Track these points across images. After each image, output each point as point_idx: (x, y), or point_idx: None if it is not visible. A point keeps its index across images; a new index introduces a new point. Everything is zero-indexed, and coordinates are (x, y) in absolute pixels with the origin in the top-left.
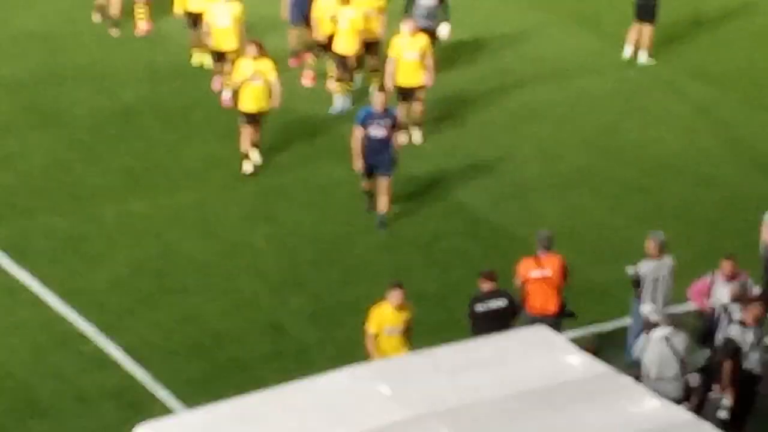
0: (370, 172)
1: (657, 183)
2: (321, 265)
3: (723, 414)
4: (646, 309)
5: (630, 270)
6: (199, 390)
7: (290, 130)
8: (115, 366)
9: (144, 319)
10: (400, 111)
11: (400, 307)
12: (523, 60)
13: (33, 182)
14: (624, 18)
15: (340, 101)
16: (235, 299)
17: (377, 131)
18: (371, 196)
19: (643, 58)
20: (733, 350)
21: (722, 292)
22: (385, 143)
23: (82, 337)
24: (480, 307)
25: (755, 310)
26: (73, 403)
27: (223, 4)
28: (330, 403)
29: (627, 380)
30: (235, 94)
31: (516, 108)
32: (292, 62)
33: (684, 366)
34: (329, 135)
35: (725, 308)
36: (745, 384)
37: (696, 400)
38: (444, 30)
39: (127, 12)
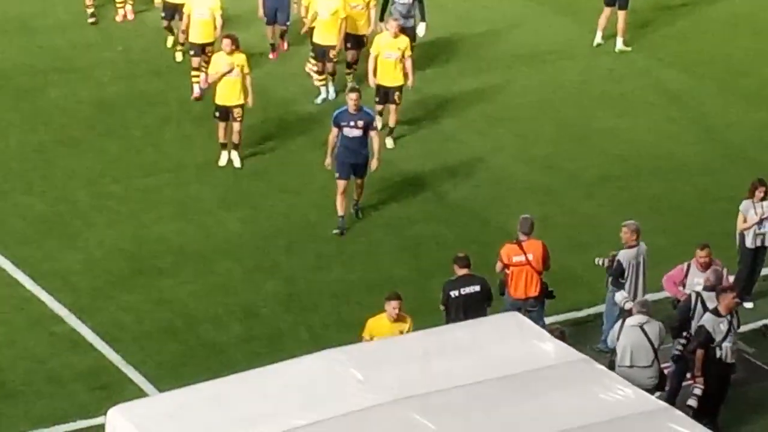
0: (347, 174)
1: (632, 171)
2: (295, 249)
3: (693, 402)
4: (619, 297)
5: (598, 261)
6: (172, 373)
7: (268, 114)
8: (87, 348)
9: (117, 301)
10: (378, 110)
11: (398, 318)
12: (501, 47)
13: (7, 163)
14: (600, 4)
15: (323, 91)
16: (209, 282)
17: (352, 131)
18: (355, 210)
19: (619, 44)
20: (706, 339)
21: (697, 281)
22: (360, 143)
23: (55, 319)
24: (454, 293)
25: (728, 299)
26: (45, 385)
27: None
28: (303, 388)
29: (600, 367)
30: (211, 87)
31: (492, 95)
32: (272, 56)
33: (658, 354)
34: (307, 120)
35: (699, 296)
36: (717, 372)
37: (670, 387)
38: (421, 29)
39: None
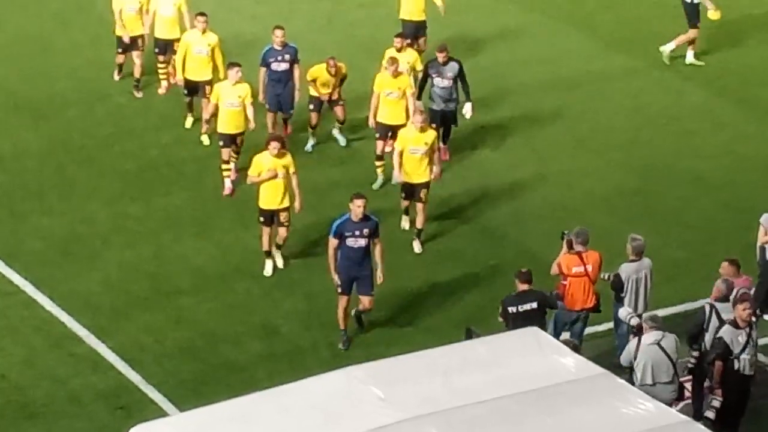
0: (350, 289)
1: (651, 184)
2: (314, 267)
3: (710, 414)
4: (623, 312)
5: (604, 275)
6: (192, 392)
7: (291, 135)
8: (108, 368)
9: (137, 321)
10: (404, 207)
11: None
12: (517, 61)
13: (26, 185)
14: (618, 19)
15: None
16: (228, 301)
17: (357, 241)
18: (357, 316)
19: (690, 56)
20: (725, 351)
21: None
22: (365, 253)
23: (75, 339)
24: (512, 309)
25: (744, 311)
26: (66, 405)
27: (199, 35)
28: (323, 405)
29: (620, 381)
30: (214, 118)
31: (510, 109)
32: None
33: (677, 367)
34: (326, 137)
35: (713, 308)
36: (736, 385)
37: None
38: (467, 110)
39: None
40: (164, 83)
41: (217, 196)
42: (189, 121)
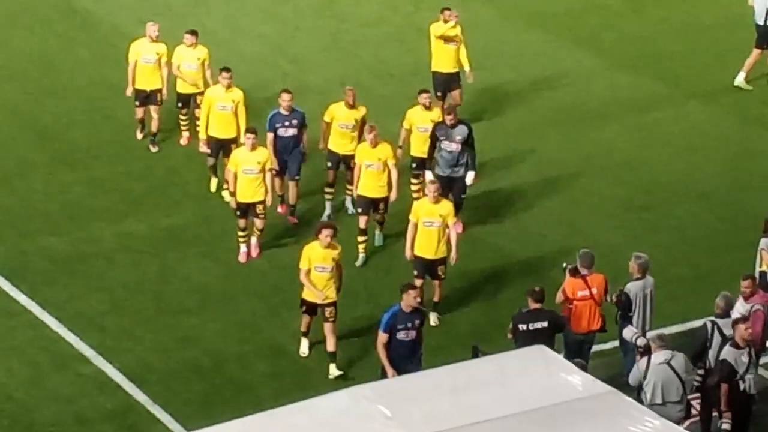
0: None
1: (655, 201)
2: None
3: None
4: (628, 333)
5: (607, 298)
6: (199, 411)
7: None
8: (114, 388)
9: (143, 341)
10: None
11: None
12: (522, 79)
13: (32, 204)
14: (622, 37)
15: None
16: (234, 320)
17: (409, 333)
18: None
19: (740, 78)
20: (729, 373)
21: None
22: (414, 344)
23: (82, 359)
24: (522, 326)
25: (741, 330)
26: (73, 426)
27: (224, 91)
28: (330, 424)
29: (627, 399)
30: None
31: (514, 127)
32: (280, 209)
33: (685, 386)
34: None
35: (715, 324)
36: (741, 405)
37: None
38: (469, 178)
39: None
40: (185, 134)
41: (222, 216)
42: (214, 184)
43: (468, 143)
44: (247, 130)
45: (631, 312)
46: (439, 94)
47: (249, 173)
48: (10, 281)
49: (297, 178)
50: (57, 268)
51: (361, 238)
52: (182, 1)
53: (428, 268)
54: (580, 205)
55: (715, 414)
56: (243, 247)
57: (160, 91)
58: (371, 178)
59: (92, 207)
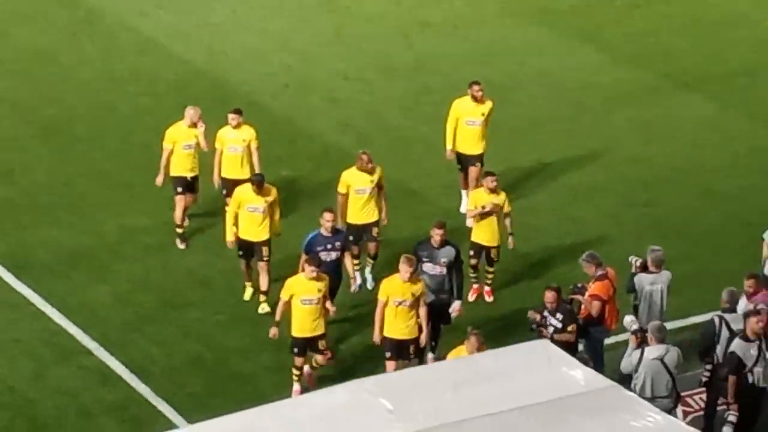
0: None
1: (659, 197)
2: None
3: (728, 429)
4: (627, 320)
5: (632, 259)
6: (202, 404)
7: (294, 147)
8: (117, 381)
9: (146, 334)
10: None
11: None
12: (526, 74)
13: (35, 197)
14: (626, 33)
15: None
16: (237, 313)
17: (327, 255)
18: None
19: None
20: (738, 365)
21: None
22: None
23: (84, 352)
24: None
25: (752, 323)
26: (76, 418)
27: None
28: (332, 417)
29: (629, 394)
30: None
31: (518, 122)
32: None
33: (675, 380)
34: (339, 152)
35: (723, 319)
36: (749, 398)
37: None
38: (455, 308)
39: None
40: (296, 386)
41: (225, 210)
42: (248, 292)
43: (455, 267)
44: (233, 111)
45: (635, 301)
46: (459, 166)
47: (308, 304)
48: (13, 273)
49: (334, 308)
50: (60, 260)
51: (354, 261)
52: None
53: (399, 348)
54: (583, 201)
55: (722, 407)
56: (296, 386)
57: (197, 178)
58: (360, 205)
59: (95, 200)
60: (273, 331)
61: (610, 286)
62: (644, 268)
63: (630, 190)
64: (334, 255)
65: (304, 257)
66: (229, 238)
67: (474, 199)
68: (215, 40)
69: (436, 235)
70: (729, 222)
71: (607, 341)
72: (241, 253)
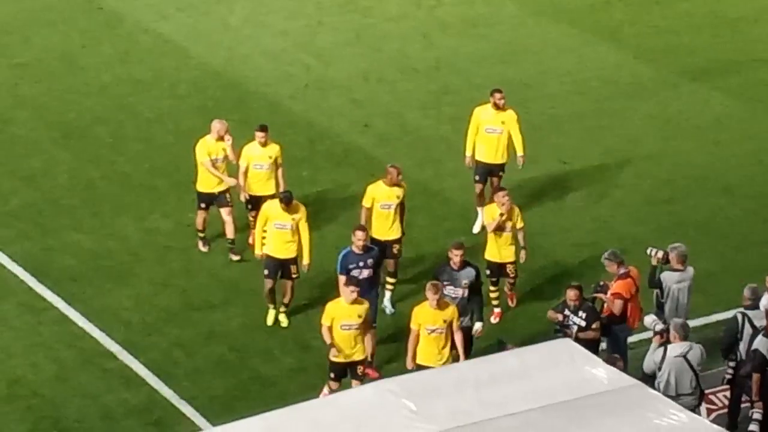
0: None
1: (680, 194)
2: None
3: (754, 427)
4: (648, 320)
5: (650, 251)
6: (225, 407)
7: (314, 148)
8: (140, 383)
9: (169, 337)
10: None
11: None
12: (546, 72)
13: (57, 201)
14: (646, 30)
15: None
16: (259, 315)
17: (359, 272)
18: None
19: None
20: (761, 363)
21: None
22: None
23: (107, 355)
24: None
25: None
26: (99, 421)
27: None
28: (355, 418)
29: (653, 392)
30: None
31: (539, 120)
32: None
33: (699, 377)
34: (359, 153)
35: (745, 316)
36: None
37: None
38: (477, 329)
39: None
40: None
41: (246, 212)
42: (271, 316)
43: (475, 288)
44: (259, 128)
45: (662, 299)
46: (477, 177)
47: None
48: (36, 277)
49: (374, 325)
50: (82, 264)
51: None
52: None
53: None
54: (604, 198)
55: (746, 404)
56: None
57: (228, 191)
58: (384, 220)
59: (117, 203)
60: (333, 353)
61: (632, 284)
62: (666, 260)
63: (651, 188)
64: (366, 273)
65: (342, 279)
66: (258, 251)
67: (489, 214)
68: (235, 42)
69: (455, 256)
70: (751, 219)
71: (630, 339)
72: (267, 272)
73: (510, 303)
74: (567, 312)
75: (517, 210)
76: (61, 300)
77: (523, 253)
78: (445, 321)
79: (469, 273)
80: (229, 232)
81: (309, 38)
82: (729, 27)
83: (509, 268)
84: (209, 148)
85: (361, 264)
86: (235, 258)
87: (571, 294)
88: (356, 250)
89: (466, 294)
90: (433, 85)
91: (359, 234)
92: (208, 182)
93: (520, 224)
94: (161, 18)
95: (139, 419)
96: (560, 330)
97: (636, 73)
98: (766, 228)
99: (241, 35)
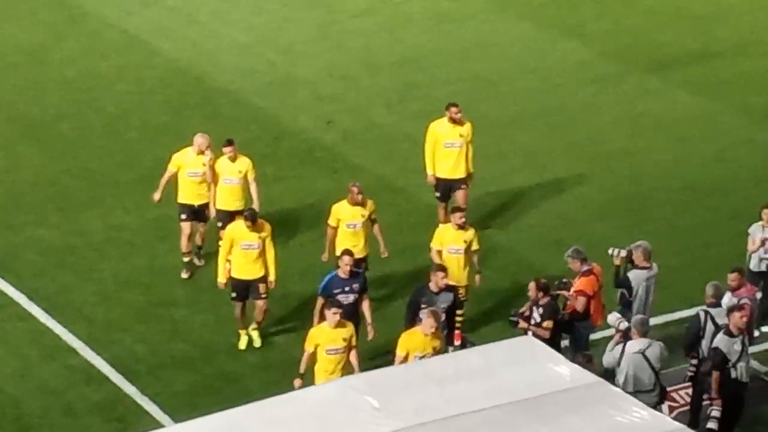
0: None
1: (644, 191)
2: (309, 277)
3: (713, 424)
4: (612, 318)
5: (612, 251)
6: (188, 403)
7: (279, 144)
8: (103, 380)
9: (132, 333)
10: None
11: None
12: (511, 69)
13: (21, 196)
14: (611, 27)
15: None
16: (223, 312)
17: (345, 297)
18: None
19: None
20: (721, 361)
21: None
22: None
23: (70, 351)
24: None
25: (736, 318)
26: (61, 417)
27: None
28: (319, 415)
29: (616, 390)
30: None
31: (504, 117)
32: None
33: (659, 375)
34: (324, 149)
35: (708, 314)
36: (733, 392)
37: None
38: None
39: None
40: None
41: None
42: (243, 341)
43: (451, 311)
44: (227, 143)
45: (630, 297)
46: (438, 194)
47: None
48: None
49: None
50: (46, 259)
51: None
52: None
53: None
54: (569, 195)
55: (706, 402)
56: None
57: (206, 207)
58: (350, 237)
59: (81, 198)
60: (298, 383)
61: (595, 281)
62: (630, 259)
63: (616, 185)
64: (351, 298)
65: (321, 301)
66: (221, 279)
67: (440, 236)
68: (200, 38)
69: (440, 279)
70: (715, 216)
71: (593, 336)
72: (234, 295)
73: (456, 342)
74: (533, 306)
75: (472, 231)
76: (23, 296)
77: (477, 277)
78: (434, 349)
79: (447, 297)
80: (199, 240)
81: (274, 34)
82: (694, 24)
83: (461, 291)
84: (186, 160)
85: (347, 289)
86: (199, 264)
87: (530, 285)
88: (342, 275)
89: (445, 317)
90: (398, 81)
91: (346, 259)
92: (186, 193)
93: (475, 246)
94: (126, 14)
95: (101, 415)
96: (515, 318)
97: (601, 69)
98: (729, 225)
99: (206, 31)
